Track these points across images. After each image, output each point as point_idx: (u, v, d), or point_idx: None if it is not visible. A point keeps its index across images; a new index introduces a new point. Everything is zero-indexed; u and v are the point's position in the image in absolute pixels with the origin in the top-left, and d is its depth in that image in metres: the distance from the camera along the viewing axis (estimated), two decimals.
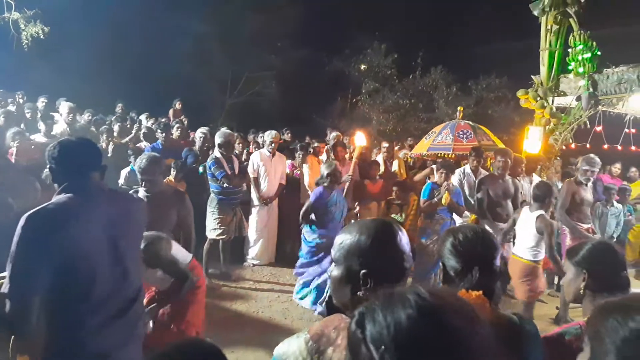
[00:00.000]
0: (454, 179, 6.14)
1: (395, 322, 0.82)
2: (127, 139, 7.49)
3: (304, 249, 5.50)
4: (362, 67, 17.19)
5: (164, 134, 6.72)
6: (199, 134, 7.02)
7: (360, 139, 6.46)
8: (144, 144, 7.03)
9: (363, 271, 1.28)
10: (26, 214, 1.93)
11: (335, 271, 1.36)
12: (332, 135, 8.08)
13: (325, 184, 5.31)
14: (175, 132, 7.73)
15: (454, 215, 5.74)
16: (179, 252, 3.33)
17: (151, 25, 12.99)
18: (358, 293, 1.29)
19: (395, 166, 7.66)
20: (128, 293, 2.21)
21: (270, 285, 6.09)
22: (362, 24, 16.71)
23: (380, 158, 7.75)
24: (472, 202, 5.82)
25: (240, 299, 5.55)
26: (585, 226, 5.38)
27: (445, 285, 1.72)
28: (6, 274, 1.89)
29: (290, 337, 1.28)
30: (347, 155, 7.20)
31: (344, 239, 1.35)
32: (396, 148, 8.61)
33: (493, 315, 1.55)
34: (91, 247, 2.03)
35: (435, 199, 5.53)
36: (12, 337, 2.13)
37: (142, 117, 8.20)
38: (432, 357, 0.80)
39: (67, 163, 2.12)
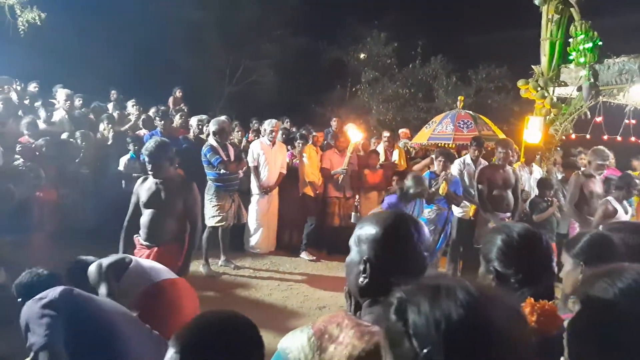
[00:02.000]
0: (454, 169, 6.14)
1: (446, 318, 0.80)
2: (126, 126, 7.45)
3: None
4: (362, 56, 17.09)
5: (162, 122, 6.70)
6: (195, 121, 7.00)
7: (354, 134, 6.46)
8: (142, 132, 7.00)
9: (365, 257, 1.30)
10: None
11: (349, 255, 1.39)
12: (346, 127, 8.06)
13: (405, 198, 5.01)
14: (178, 120, 7.72)
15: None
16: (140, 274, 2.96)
17: (148, 13, 12.84)
18: (359, 281, 1.31)
19: (395, 156, 7.66)
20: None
21: (270, 273, 6.11)
22: (362, 12, 16.58)
23: (381, 147, 7.75)
24: (473, 192, 5.83)
25: (240, 287, 5.57)
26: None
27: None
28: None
29: (294, 331, 1.29)
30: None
31: (362, 226, 1.37)
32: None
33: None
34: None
35: (433, 189, 5.53)
36: None
37: (129, 104, 8.12)
38: (480, 357, 0.78)
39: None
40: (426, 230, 1.39)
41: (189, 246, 3.96)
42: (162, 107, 8.18)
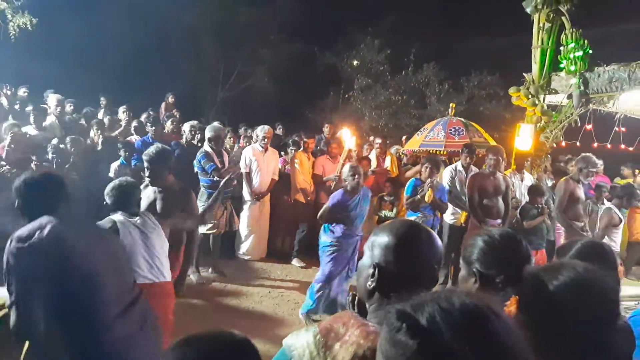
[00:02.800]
0: (446, 176, 6.16)
1: (452, 328, 0.80)
2: (117, 132, 7.41)
3: (322, 253, 4.97)
4: (355, 62, 17.14)
5: (153, 127, 6.66)
6: (187, 127, 6.98)
7: (348, 141, 6.46)
8: (134, 138, 6.96)
9: (375, 262, 1.35)
10: (18, 237, 2.08)
11: (362, 258, 1.43)
12: (339, 133, 8.12)
13: (347, 187, 4.83)
14: (169, 126, 7.69)
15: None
16: None
17: (141, 18, 12.82)
18: (367, 284, 1.35)
19: (387, 162, 7.67)
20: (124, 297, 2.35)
21: (261, 280, 6.07)
22: (356, 18, 16.65)
23: (373, 154, 7.75)
24: (464, 199, 5.83)
25: (230, 294, 5.53)
26: (581, 224, 5.40)
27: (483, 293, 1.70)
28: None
29: (299, 330, 1.30)
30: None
31: (378, 232, 1.41)
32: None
33: None
34: (85, 269, 2.17)
35: (419, 196, 5.53)
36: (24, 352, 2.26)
37: (120, 109, 8.08)
38: None
39: (35, 201, 2.27)
40: (439, 242, 1.41)
41: (186, 259, 3.96)
42: (153, 113, 8.14)
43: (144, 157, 3.87)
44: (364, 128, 14.93)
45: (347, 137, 6.61)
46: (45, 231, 2.08)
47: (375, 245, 1.37)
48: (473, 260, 1.69)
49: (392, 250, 1.33)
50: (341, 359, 1.18)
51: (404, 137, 9.56)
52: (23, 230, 2.09)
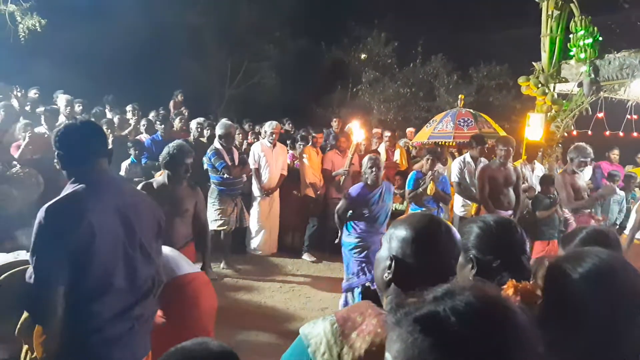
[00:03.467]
0: (454, 168, 6.12)
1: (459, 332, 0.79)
2: (126, 131, 7.46)
3: (345, 255, 4.77)
4: (362, 56, 17.07)
5: (162, 126, 6.71)
6: (194, 124, 7.01)
7: (357, 134, 6.44)
8: (143, 136, 7.01)
9: (392, 254, 1.34)
10: (45, 206, 1.95)
11: (380, 249, 1.44)
12: (348, 127, 8.11)
13: (367, 180, 4.66)
14: (178, 124, 7.74)
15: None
16: (176, 263, 2.91)
17: (148, 17, 12.86)
18: (384, 276, 1.35)
19: (397, 155, 7.64)
20: (142, 284, 2.21)
21: (272, 275, 6.10)
22: (362, 12, 16.55)
23: (382, 147, 7.73)
24: (474, 191, 5.80)
25: (242, 289, 5.56)
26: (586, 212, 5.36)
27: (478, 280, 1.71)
28: (30, 265, 1.93)
29: (315, 320, 1.32)
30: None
31: (397, 225, 1.41)
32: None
33: None
34: (107, 238, 2.02)
35: (421, 189, 5.49)
36: (21, 321, 2.14)
37: (128, 108, 8.12)
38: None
39: (77, 149, 2.10)
40: (458, 236, 1.40)
41: (206, 248, 4.13)
42: (162, 111, 8.18)
43: (166, 154, 3.84)
44: (373, 121, 14.90)
45: (356, 130, 6.59)
46: (72, 194, 1.98)
47: (393, 238, 1.37)
48: (470, 247, 1.68)
49: (410, 243, 1.33)
50: (358, 347, 1.19)
51: (409, 129, 9.50)
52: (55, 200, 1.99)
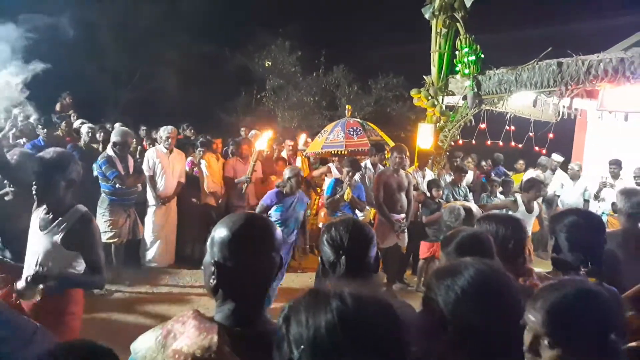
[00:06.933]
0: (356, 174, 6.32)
1: (315, 326, 0.88)
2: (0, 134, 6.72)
3: None
4: (267, 63, 17.09)
5: (45, 130, 6.15)
6: (85, 129, 6.52)
7: (260, 142, 6.41)
8: (22, 141, 6.35)
9: (214, 259, 1.33)
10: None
11: (205, 256, 1.42)
12: (251, 133, 8.05)
13: (284, 188, 4.99)
14: (62, 128, 7.17)
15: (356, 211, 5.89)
16: None
17: (35, 12, 11.79)
18: (210, 282, 1.34)
19: (298, 162, 7.70)
20: None
21: (169, 288, 5.81)
22: (266, 20, 16.60)
23: (284, 154, 7.75)
24: (372, 195, 6.02)
25: (135, 304, 5.23)
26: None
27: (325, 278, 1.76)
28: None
29: (149, 331, 1.29)
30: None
31: (217, 228, 1.40)
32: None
33: None
34: None
35: (338, 195, 5.63)
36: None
37: (15, 110, 7.37)
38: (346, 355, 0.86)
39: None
40: (276, 230, 1.40)
41: None
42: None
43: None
44: (277, 129, 14.94)
45: (260, 140, 6.56)
46: None
47: (214, 242, 1.34)
48: (329, 252, 1.75)
49: (227, 245, 1.31)
50: (176, 358, 1.17)
51: (299, 137, 9.37)
52: None
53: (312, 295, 0.94)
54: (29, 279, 2.49)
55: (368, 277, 1.71)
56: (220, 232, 1.35)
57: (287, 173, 5.08)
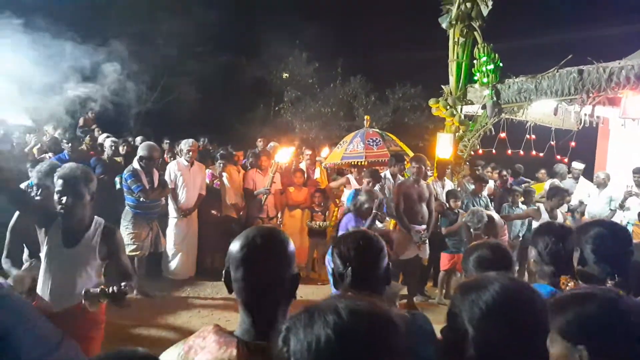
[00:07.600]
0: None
1: (316, 341, 0.87)
2: (26, 149, 6.92)
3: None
4: (284, 75, 17.26)
5: (69, 144, 6.31)
6: (108, 142, 6.66)
7: (280, 155, 6.45)
8: (48, 155, 6.53)
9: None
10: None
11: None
12: (270, 145, 8.10)
13: (362, 210, 5.19)
14: (86, 142, 7.33)
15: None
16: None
17: (54, 22, 12.12)
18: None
19: (317, 173, 7.72)
20: None
21: (190, 300, 5.86)
22: (283, 32, 16.74)
23: (302, 165, 7.78)
24: (392, 206, 5.99)
25: (157, 315, 5.28)
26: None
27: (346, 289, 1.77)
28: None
29: (174, 345, 1.33)
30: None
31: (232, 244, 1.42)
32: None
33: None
34: None
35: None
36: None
37: (49, 127, 7.59)
38: None
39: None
40: (292, 245, 1.41)
41: None
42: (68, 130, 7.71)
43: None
44: (295, 140, 15.02)
45: (281, 154, 6.62)
46: None
47: (229, 255, 1.37)
48: (337, 263, 1.80)
49: (239, 258, 1.34)
50: None
51: (322, 149, 9.52)
52: None
53: (309, 312, 0.94)
54: (110, 290, 2.45)
55: (378, 288, 1.72)
56: (234, 246, 1.36)
57: (364, 197, 5.22)
